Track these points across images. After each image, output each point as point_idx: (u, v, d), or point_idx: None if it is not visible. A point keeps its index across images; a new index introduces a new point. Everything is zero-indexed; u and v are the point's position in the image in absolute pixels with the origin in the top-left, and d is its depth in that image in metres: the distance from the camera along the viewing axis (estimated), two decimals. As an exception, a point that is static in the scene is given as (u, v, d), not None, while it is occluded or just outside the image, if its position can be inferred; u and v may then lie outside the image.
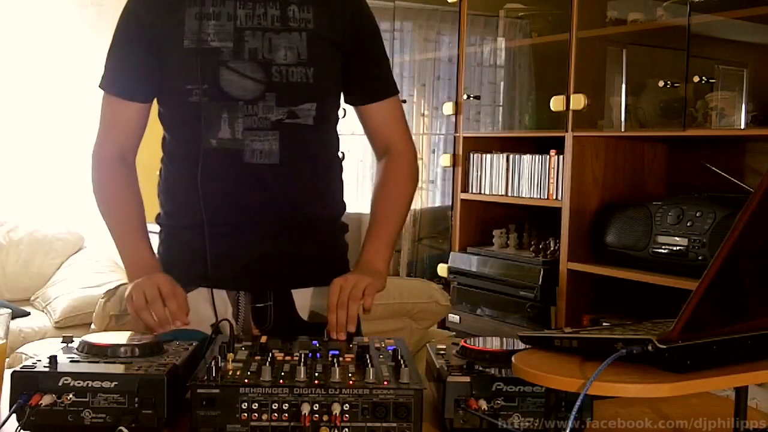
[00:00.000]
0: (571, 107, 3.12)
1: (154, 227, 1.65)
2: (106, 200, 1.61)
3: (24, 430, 1.08)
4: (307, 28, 1.54)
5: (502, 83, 3.79)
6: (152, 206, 1.64)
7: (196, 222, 1.55)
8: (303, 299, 1.59)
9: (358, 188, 4.40)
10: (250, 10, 1.52)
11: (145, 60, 1.55)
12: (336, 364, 1.15)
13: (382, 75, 1.67)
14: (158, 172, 1.66)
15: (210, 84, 1.51)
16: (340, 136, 1.68)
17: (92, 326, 2.61)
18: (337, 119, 1.66)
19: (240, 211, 1.54)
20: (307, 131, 1.55)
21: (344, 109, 1.71)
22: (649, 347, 0.92)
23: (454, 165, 3.76)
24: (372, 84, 1.65)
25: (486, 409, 1.13)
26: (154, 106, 1.64)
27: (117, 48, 1.60)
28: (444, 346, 1.31)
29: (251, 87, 1.51)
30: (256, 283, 1.57)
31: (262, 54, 1.51)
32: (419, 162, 4.26)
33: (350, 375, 1.14)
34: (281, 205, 1.55)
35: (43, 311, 4.18)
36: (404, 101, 4.19)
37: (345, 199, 1.70)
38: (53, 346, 1.25)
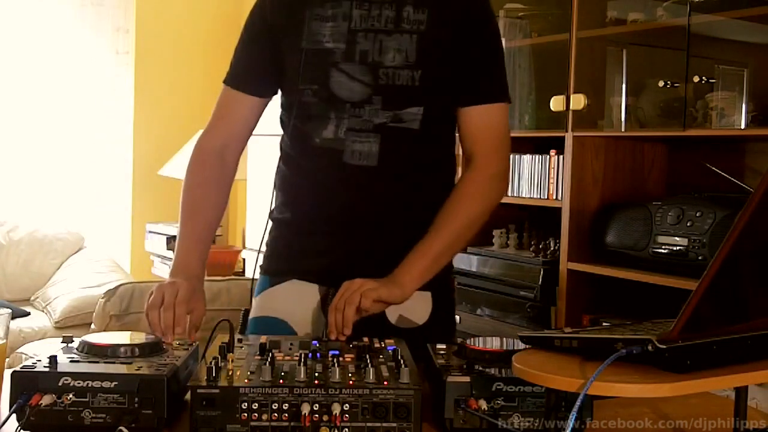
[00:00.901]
0: (571, 107, 3.12)
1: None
2: (185, 192, 1.63)
3: (24, 430, 1.09)
4: (419, 30, 1.51)
5: (502, 83, 3.78)
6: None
7: (294, 218, 1.59)
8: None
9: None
10: (366, 11, 1.52)
11: (264, 56, 1.60)
12: (336, 364, 1.15)
13: (485, 78, 1.58)
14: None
15: (320, 85, 1.53)
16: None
17: (92, 326, 2.62)
18: (450, 121, 1.60)
19: (336, 209, 1.56)
20: (411, 135, 1.53)
21: None
22: (649, 347, 0.92)
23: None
24: (472, 87, 1.57)
25: (486, 409, 1.13)
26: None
27: (240, 44, 1.65)
28: (444, 346, 1.31)
29: (359, 89, 1.52)
30: (345, 280, 1.53)
31: (372, 56, 1.51)
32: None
33: (350, 375, 1.14)
34: (376, 207, 1.55)
35: (43, 311, 4.18)
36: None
37: None
38: (53, 346, 1.25)
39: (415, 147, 1.55)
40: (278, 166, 1.67)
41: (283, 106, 1.64)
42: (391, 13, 1.52)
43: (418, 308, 1.57)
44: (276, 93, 1.66)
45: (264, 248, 1.68)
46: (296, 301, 1.59)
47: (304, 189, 1.59)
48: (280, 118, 1.65)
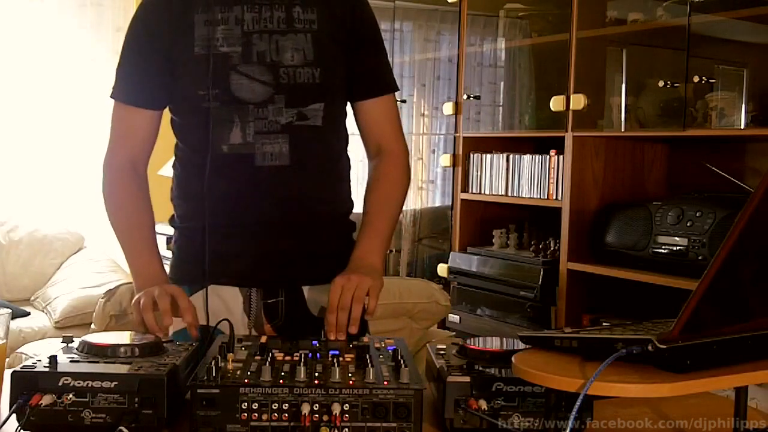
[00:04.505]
0: (571, 107, 3.12)
1: (166, 228, 1.68)
2: (116, 211, 1.62)
3: (24, 430, 1.09)
4: (311, 29, 1.55)
5: (502, 83, 3.79)
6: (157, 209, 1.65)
7: (205, 225, 1.56)
8: (313, 295, 1.60)
9: (358, 189, 4.39)
10: (257, 13, 1.54)
11: (156, 67, 1.57)
12: (336, 364, 1.15)
13: (378, 71, 1.67)
14: (172, 178, 1.67)
15: (221, 89, 1.52)
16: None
17: (92, 326, 2.62)
18: (345, 117, 1.67)
19: (251, 212, 1.56)
20: (316, 131, 1.57)
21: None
22: (649, 347, 0.92)
23: (454, 165, 3.76)
24: (368, 80, 1.64)
25: (486, 409, 1.13)
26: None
27: (127, 56, 1.61)
28: (444, 346, 1.31)
29: (260, 90, 1.53)
30: (267, 280, 1.59)
31: (270, 57, 1.53)
32: (419, 162, 4.29)
33: (350, 375, 1.14)
34: (291, 205, 1.57)
35: (43, 311, 4.18)
36: (404, 101, 4.19)
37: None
38: (53, 346, 1.25)
39: (320, 142, 1.59)
40: (176, 175, 1.65)
41: (177, 113, 1.62)
42: (282, 14, 1.55)
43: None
44: (168, 103, 1.62)
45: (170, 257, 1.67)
46: (220, 305, 1.58)
47: (214, 196, 1.56)
48: (174, 126, 1.63)
